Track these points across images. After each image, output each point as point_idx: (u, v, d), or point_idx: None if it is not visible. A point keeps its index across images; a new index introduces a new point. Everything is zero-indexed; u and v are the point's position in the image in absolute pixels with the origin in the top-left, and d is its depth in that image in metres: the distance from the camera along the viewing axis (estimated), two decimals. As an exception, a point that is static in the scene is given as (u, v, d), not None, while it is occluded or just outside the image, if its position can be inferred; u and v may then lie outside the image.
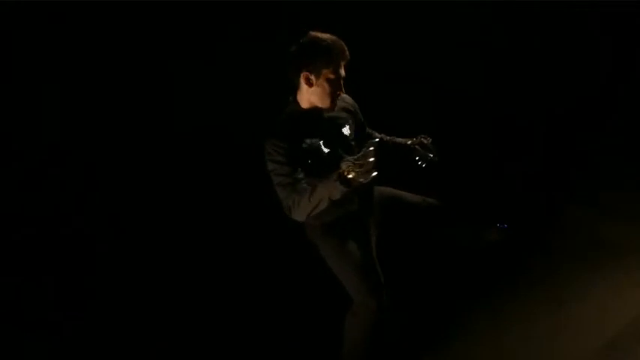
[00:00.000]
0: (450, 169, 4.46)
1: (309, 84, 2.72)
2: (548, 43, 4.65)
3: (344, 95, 2.89)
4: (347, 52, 2.70)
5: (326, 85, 2.71)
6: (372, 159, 2.55)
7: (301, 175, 2.75)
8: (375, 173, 2.57)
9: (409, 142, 3.06)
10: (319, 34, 2.69)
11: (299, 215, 2.75)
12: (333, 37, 2.69)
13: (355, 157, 2.65)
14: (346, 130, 2.96)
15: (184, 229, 4.21)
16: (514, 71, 4.66)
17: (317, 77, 2.70)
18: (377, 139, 2.70)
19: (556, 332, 3.44)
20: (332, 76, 2.69)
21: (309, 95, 2.75)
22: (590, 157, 4.47)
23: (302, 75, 2.70)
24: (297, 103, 2.81)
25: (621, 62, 4.56)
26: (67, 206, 4.12)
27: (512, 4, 4.55)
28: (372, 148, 2.57)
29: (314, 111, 2.82)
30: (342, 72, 2.72)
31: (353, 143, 2.98)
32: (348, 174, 2.60)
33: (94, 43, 4.12)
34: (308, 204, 2.69)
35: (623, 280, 3.57)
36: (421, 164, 3.05)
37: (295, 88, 2.80)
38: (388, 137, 3.21)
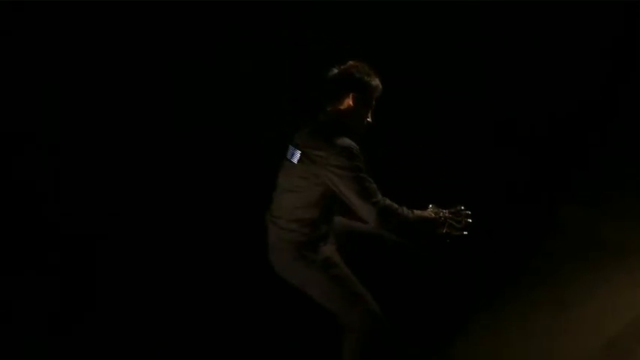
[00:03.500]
0: (451, 174, 4.51)
1: (355, 103, 3.01)
2: (549, 44, 4.64)
3: None
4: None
5: (365, 109, 3.05)
6: (469, 220, 2.98)
7: None
8: (465, 233, 2.97)
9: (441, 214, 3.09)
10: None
11: (389, 217, 2.87)
12: None
13: (452, 210, 3.01)
14: None
15: (184, 229, 4.21)
16: (515, 73, 4.64)
17: (361, 100, 3.02)
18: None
19: (557, 332, 3.45)
20: (370, 103, 3.05)
21: (349, 113, 3.03)
22: (592, 157, 4.46)
23: (351, 95, 3.00)
24: (340, 117, 3.03)
25: (622, 62, 4.55)
26: (67, 206, 4.11)
27: (513, 4, 4.55)
28: (468, 212, 3.01)
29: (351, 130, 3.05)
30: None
31: None
32: (445, 222, 2.96)
33: (94, 43, 4.12)
34: (404, 218, 2.89)
35: (624, 280, 3.58)
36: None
37: (327, 100, 3.06)
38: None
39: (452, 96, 4.65)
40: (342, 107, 3.03)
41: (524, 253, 4.08)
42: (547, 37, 4.64)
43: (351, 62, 3.06)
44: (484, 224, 4.16)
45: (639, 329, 3.23)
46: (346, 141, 2.89)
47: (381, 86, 3.05)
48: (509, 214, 4.32)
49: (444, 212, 2.99)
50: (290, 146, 3.04)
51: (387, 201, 2.89)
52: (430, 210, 2.99)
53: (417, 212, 2.95)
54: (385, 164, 3.41)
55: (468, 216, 3.01)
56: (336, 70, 3.05)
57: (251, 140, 4.34)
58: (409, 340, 3.71)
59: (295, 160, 2.96)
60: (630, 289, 3.51)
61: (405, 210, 2.91)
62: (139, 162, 4.23)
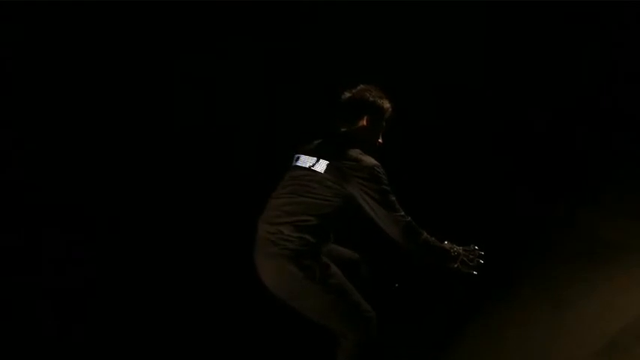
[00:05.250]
0: (449, 174, 4.52)
1: (368, 125, 3.16)
2: (550, 44, 4.65)
3: None
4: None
5: (377, 130, 3.20)
6: (481, 261, 3.08)
7: None
8: (475, 273, 3.08)
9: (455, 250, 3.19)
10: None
11: (413, 234, 3.00)
12: None
13: (467, 248, 3.11)
14: None
15: (184, 229, 4.21)
16: (515, 72, 4.65)
17: (374, 122, 3.17)
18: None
19: (557, 332, 3.44)
20: (382, 124, 3.20)
21: (362, 134, 3.15)
22: (591, 155, 4.46)
23: (365, 117, 3.15)
24: (354, 137, 3.15)
25: (622, 62, 4.55)
26: (66, 205, 4.11)
27: (513, 4, 4.56)
28: (483, 253, 3.11)
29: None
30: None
31: None
32: (458, 257, 3.06)
33: (91, 43, 4.12)
34: (426, 240, 3.01)
35: (624, 279, 3.57)
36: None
37: (341, 122, 3.18)
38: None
39: (451, 96, 4.66)
40: (355, 128, 3.15)
41: (524, 253, 4.09)
42: (548, 36, 4.65)
43: (362, 86, 3.21)
44: (483, 225, 4.23)
45: (639, 328, 3.22)
46: (371, 159, 3.02)
47: (391, 109, 3.20)
48: (508, 214, 4.33)
49: (458, 248, 3.10)
50: (305, 155, 3.12)
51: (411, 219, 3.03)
52: (445, 245, 3.10)
53: (436, 240, 3.06)
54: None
55: (481, 256, 3.11)
56: (349, 94, 3.19)
57: (253, 141, 4.38)
58: (408, 340, 3.72)
59: (320, 170, 3.01)
60: (630, 288, 3.50)
61: (426, 234, 3.02)
62: (137, 162, 4.22)
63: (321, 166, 3.02)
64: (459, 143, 4.63)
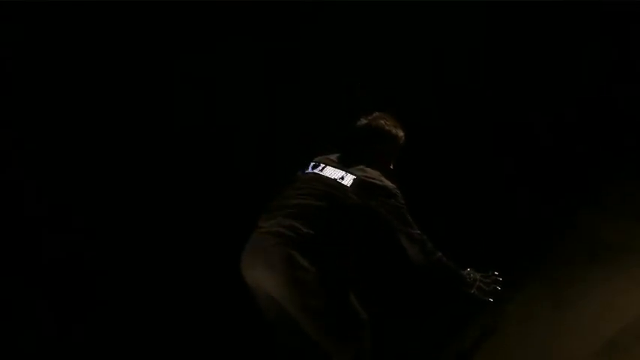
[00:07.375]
0: (449, 173, 4.52)
1: (383, 150, 3.30)
2: (549, 43, 4.64)
3: None
4: None
5: (390, 157, 3.34)
6: (498, 288, 3.16)
7: None
8: (491, 300, 3.14)
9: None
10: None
11: (431, 253, 3.09)
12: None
13: (485, 274, 3.19)
14: None
15: (184, 230, 4.21)
16: (514, 73, 4.65)
17: (387, 149, 3.32)
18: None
19: (556, 332, 3.42)
20: (395, 152, 3.34)
21: (376, 160, 3.25)
22: (592, 157, 4.45)
23: (380, 143, 3.29)
24: (371, 160, 3.24)
25: (622, 62, 4.54)
26: (66, 205, 4.11)
27: (513, 4, 4.55)
28: (501, 279, 3.17)
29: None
30: None
31: None
32: (474, 283, 3.11)
33: (92, 44, 4.12)
34: (442, 260, 3.10)
35: (624, 280, 3.54)
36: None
37: (355, 147, 3.29)
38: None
39: (451, 96, 4.66)
40: (371, 152, 3.25)
41: (525, 254, 4.07)
42: (548, 36, 4.65)
43: (377, 113, 3.33)
44: (484, 226, 4.22)
45: (639, 328, 3.21)
46: (389, 182, 3.13)
47: (404, 137, 3.33)
48: (509, 215, 4.32)
49: (475, 274, 3.17)
50: (327, 165, 3.17)
51: None
52: (463, 271, 3.16)
53: (452, 263, 3.12)
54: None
55: (498, 282, 3.17)
56: (365, 120, 3.31)
57: (254, 141, 4.38)
58: (409, 340, 3.72)
59: (347, 183, 3.08)
60: (630, 288, 3.48)
61: (441, 254, 3.10)
62: (137, 162, 4.22)
63: (349, 180, 3.09)
64: (459, 144, 4.63)
